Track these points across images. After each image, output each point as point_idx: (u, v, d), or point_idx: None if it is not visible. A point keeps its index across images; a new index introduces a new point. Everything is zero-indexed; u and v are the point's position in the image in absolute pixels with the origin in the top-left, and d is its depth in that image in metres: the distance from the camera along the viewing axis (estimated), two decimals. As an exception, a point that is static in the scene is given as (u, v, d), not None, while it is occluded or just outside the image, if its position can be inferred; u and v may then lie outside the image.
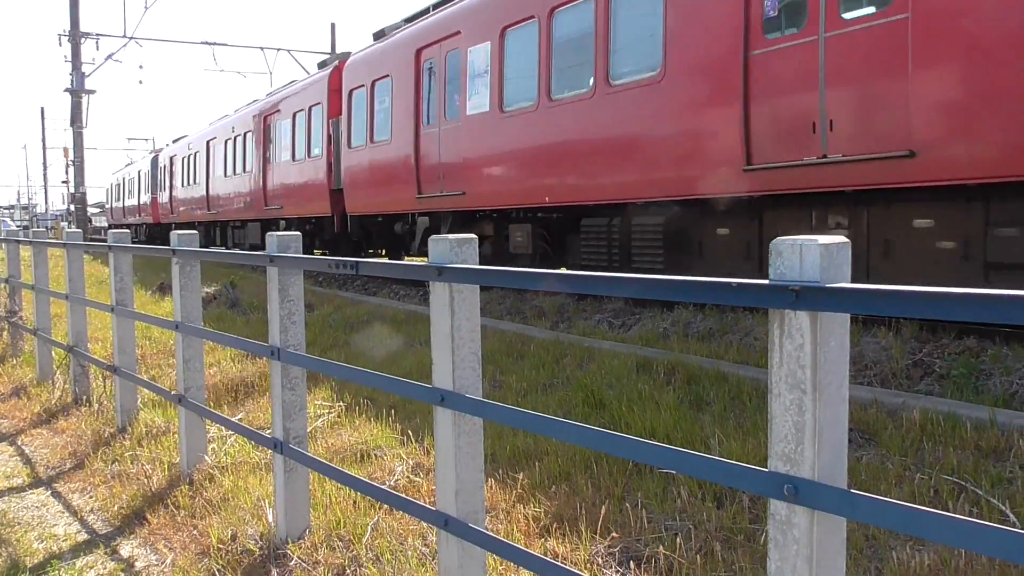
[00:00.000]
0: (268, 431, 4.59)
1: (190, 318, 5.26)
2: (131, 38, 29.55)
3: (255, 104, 24.60)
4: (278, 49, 32.09)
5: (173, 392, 5.56)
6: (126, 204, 44.85)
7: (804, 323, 1.86)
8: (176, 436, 5.57)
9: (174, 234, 5.32)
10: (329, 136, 18.20)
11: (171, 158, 33.93)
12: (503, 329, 9.12)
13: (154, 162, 36.28)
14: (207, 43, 31.73)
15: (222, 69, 34.70)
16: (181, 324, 5.21)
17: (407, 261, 14.67)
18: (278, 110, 22.11)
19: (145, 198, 38.65)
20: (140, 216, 40.35)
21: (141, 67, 61.36)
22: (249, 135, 24.06)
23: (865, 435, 4.59)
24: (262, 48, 32.03)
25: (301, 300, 4.19)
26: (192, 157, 30.96)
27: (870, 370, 6.26)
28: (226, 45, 32.41)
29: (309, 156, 19.33)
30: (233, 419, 5.36)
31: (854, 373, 6.16)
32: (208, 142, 28.78)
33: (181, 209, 32.29)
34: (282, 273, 4.10)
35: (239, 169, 25.21)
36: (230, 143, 26.17)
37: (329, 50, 34.51)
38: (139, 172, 40.56)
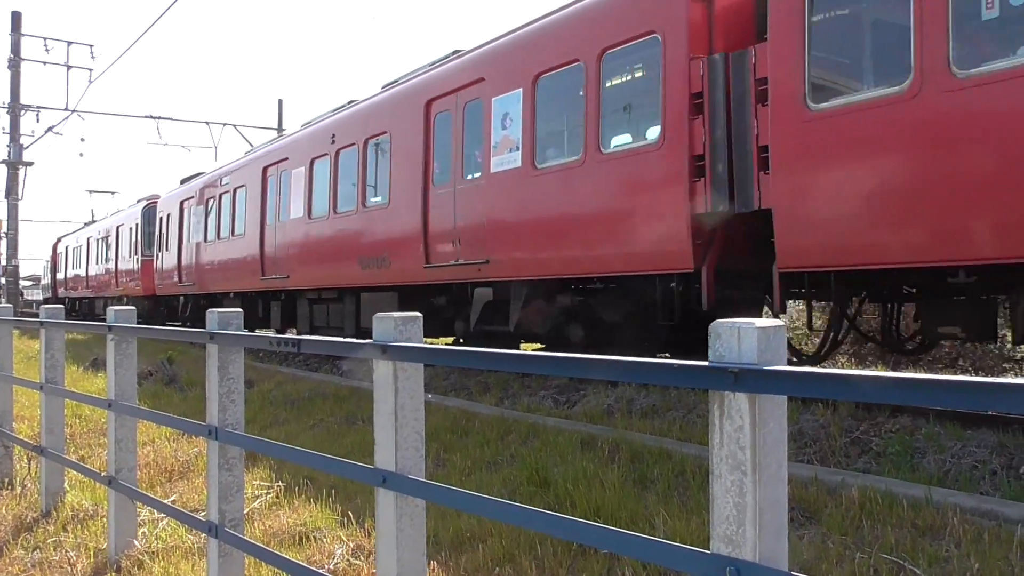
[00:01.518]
0: (203, 513, 4.43)
1: (124, 396, 5.10)
2: (73, 111, 29.29)
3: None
4: (224, 124, 32.14)
5: (103, 474, 5.35)
6: (90, 272, 36.44)
7: (743, 405, 1.90)
8: (105, 520, 5.33)
9: (110, 310, 5.21)
10: None
11: (182, 203, 23.54)
12: (447, 405, 9.04)
13: (148, 213, 27.40)
14: (152, 117, 31.64)
15: (166, 143, 34.22)
16: (114, 403, 5.06)
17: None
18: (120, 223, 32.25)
19: (128, 263, 29.50)
20: (117, 287, 31.08)
21: (83, 140, 60.67)
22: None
23: (806, 513, 4.63)
24: (208, 123, 32.05)
25: (241, 378, 4.12)
26: (228, 196, 20.21)
27: (810, 447, 6.35)
28: (171, 119, 32.20)
29: None
30: (166, 501, 5.17)
31: (795, 450, 6.24)
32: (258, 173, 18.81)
33: (209, 275, 21.31)
34: (222, 351, 4.03)
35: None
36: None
37: (276, 125, 34.69)
38: (114, 229, 31.88)
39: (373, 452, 3.04)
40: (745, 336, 1.91)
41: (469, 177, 11.16)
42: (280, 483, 6.18)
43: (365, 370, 13.46)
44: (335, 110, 15.85)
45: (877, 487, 4.81)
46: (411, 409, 3.01)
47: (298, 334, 16.28)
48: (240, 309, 4.24)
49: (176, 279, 23.59)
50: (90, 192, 59.38)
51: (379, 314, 3.03)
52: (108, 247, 32.92)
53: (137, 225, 28.34)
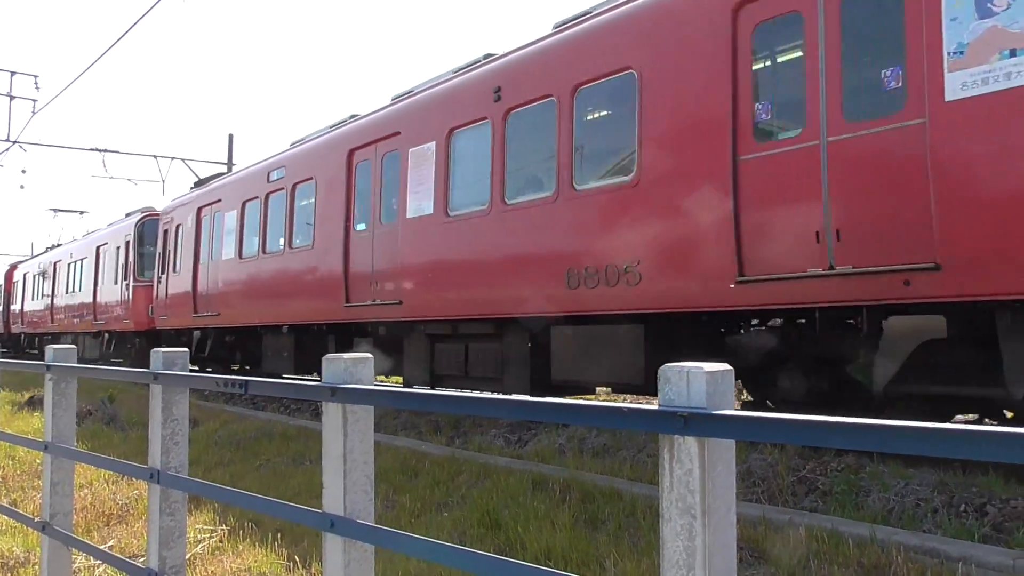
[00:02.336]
0: (142, 559, 4.29)
1: (62, 438, 4.94)
2: (14, 142, 28.63)
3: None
4: (172, 158, 31.65)
5: (37, 519, 5.15)
6: (57, 304, 30.00)
7: (692, 449, 1.92)
8: (37, 568, 5.12)
9: (48, 348, 5.06)
10: None
11: (200, 211, 18.64)
12: (397, 445, 8.93)
13: (145, 228, 22.13)
14: (97, 149, 31.05)
15: (111, 176, 33.52)
16: (51, 445, 4.89)
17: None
18: None
19: (114, 292, 23.44)
20: (97, 319, 25.07)
21: (24, 172, 59.12)
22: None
23: (755, 553, 4.66)
24: (155, 156, 31.52)
25: (186, 419, 4.02)
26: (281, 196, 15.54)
27: (758, 487, 6.41)
28: (117, 152, 31.60)
29: None
30: (103, 547, 4.99)
31: (744, 490, 6.29)
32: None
33: (245, 301, 16.37)
34: (167, 391, 3.93)
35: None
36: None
37: (226, 160, 34.36)
38: (94, 251, 25.89)
39: (321, 494, 2.99)
40: (694, 380, 1.93)
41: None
42: (224, 526, 6.02)
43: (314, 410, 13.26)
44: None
45: (824, 526, 4.87)
46: (361, 452, 2.97)
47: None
48: (185, 349, 4.16)
49: (191, 309, 18.21)
50: (55, 211, 44.52)
51: (329, 355, 2.99)
52: (84, 273, 26.71)
53: (129, 243, 22.52)
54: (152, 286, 21.06)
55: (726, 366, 2.00)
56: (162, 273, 20.27)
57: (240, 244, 16.42)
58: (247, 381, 3.46)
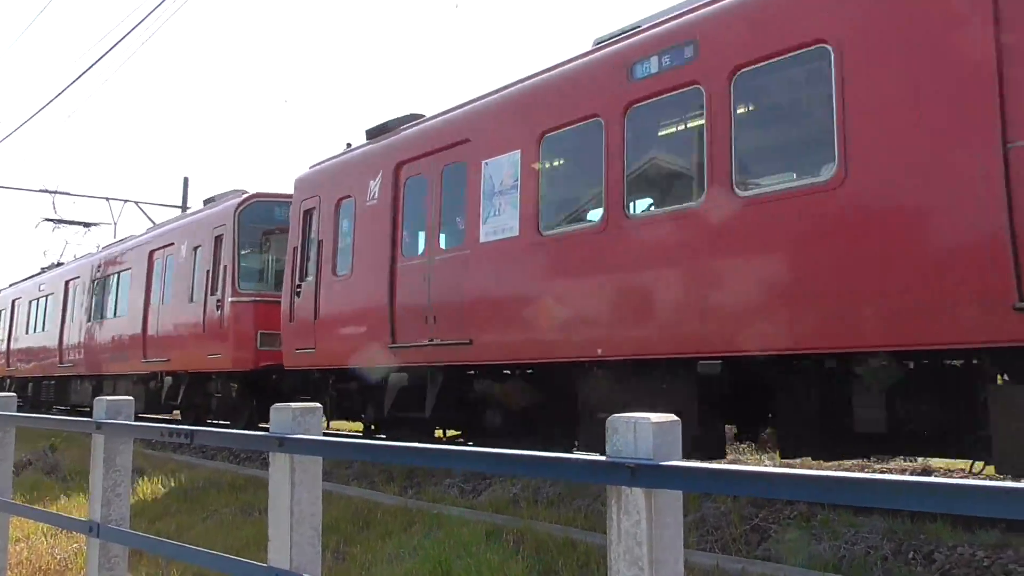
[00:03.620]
0: (78, 619, 4.12)
1: (-3, 490, 4.77)
2: (-39, 183, 27.88)
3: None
4: (125, 200, 31.17)
5: (-32, 575, 4.94)
6: (89, 337, 21.05)
7: (640, 500, 1.92)
8: (-34, 627, 4.90)
9: (-11, 396, 4.89)
10: None
11: (397, 168, 11.42)
12: (349, 495, 8.77)
13: (240, 219, 15.45)
14: (47, 191, 30.49)
15: (61, 218, 32.75)
16: (-14, 497, 4.72)
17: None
18: None
19: (189, 313, 16.34)
20: (159, 356, 17.26)
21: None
22: None
23: (708, 603, 4.64)
24: (108, 199, 31.02)
25: (129, 470, 3.92)
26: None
27: (711, 535, 6.41)
28: (68, 194, 30.97)
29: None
30: (38, 605, 4.79)
31: (697, 538, 6.28)
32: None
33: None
34: (109, 441, 3.84)
35: None
36: None
37: (181, 203, 33.98)
38: (146, 260, 18.45)
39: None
40: (641, 431, 1.94)
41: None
42: (167, 581, 5.83)
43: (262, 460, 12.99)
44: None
45: (776, 575, 4.87)
46: (308, 504, 2.92)
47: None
48: (131, 397, 4.06)
49: (381, 333, 10.97)
50: (54, 223, 31.35)
51: (277, 405, 2.96)
52: (120, 292, 19.19)
53: (220, 240, 15.42)
54: (258, 304, 14.45)
55: (673, 416, 2.02)
56: (301, 280, 12.84)
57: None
58: (193, 431, 3.39)
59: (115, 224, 31.28)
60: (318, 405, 2.95)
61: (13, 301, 29.24)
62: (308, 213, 12.96)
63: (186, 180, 36.24)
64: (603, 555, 5.48)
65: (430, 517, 7.28)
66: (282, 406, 2.91)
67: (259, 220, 15.31)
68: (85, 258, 23.78)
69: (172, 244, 17.42)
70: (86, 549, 4.08)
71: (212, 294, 15.39)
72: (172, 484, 10.51)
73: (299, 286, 12.93)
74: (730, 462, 9.92)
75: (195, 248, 16.35)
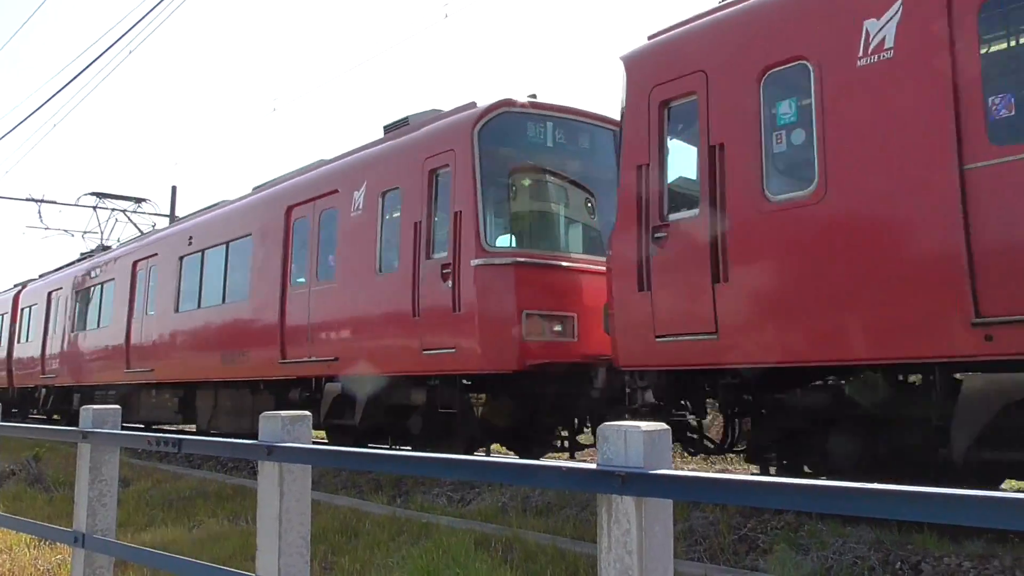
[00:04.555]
0: (62, 630, 4.08)
1: (-19, 499, 4.72)
2: (-53, 190, 27.67)
3: None
4: (112, 209, 31.02)
5: (-49, 586, 4.88)
6: (142, 336, 17.41)
7: (630, 508, 1.92)
8: (-52, 638, 4.84)
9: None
10: None
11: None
12: (337, 504, 8.73)
13: (481, 137, 9.82)
14: (33, 199, 30.29)
15: (47, 227, 32.44)
16: (-30, 506, 4.66)
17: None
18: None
19: (384, 290, 10.86)
20: (298, 353, 12.34)
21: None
22: None
23: (697, 613, 4.64)
24: (94, 207, 30.84)
25: (115, 480, 3.90)
26: None
27: (700, 545, 6.41)
28: (54, 202, 30.77)
29: None
30: (21, 616, 4.74)
31: (685, 548, 6.28)
32: None
33: None
34: (96, 450, 3.81)
35: None
36: None
37: (169, 212, 33.86)
38: (288, 215, 13.12)
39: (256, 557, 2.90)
40: (632, 440, 1.95)
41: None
42: (152, 592, 5.78)
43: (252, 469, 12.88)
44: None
45: (764, 585, 4.88)
46: (297, 512, 2.90)
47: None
48: (118, 406, 4.03)
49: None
50: (97, 196, 26.91)
51: (266, 413, 2.94)
52: (231, 271, 14.65)
53: (445, 174, 10.17)
54: (523, 269, 9.58)
55: (663, 425, 2.02)
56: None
57: None
58: (181, 439, 3.38)
59: (101, 232, 31.11)
60: (307, 413, 2.94)
61: (49, 294, 23.24)
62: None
63: (174, 189, 36.17)
64: (592, 564, 5.49)
65: (418, 526, 7.25)
66: (271, 415, 2.90)
67: (512, 142, 10.17)
68: (158, 232, 18.96)
69: (332, 193, 12.01)
70: (71, 560, 4.04)
71: (429, 257, 10.06)
72: (158, 494, 10.43)
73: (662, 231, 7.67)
74: (719, 471, 9.92)
75: (383, 194, 11.00)
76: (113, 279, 19.47)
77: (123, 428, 14.80)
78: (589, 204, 10.75)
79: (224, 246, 15.11)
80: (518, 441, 10.69)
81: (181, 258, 16.37)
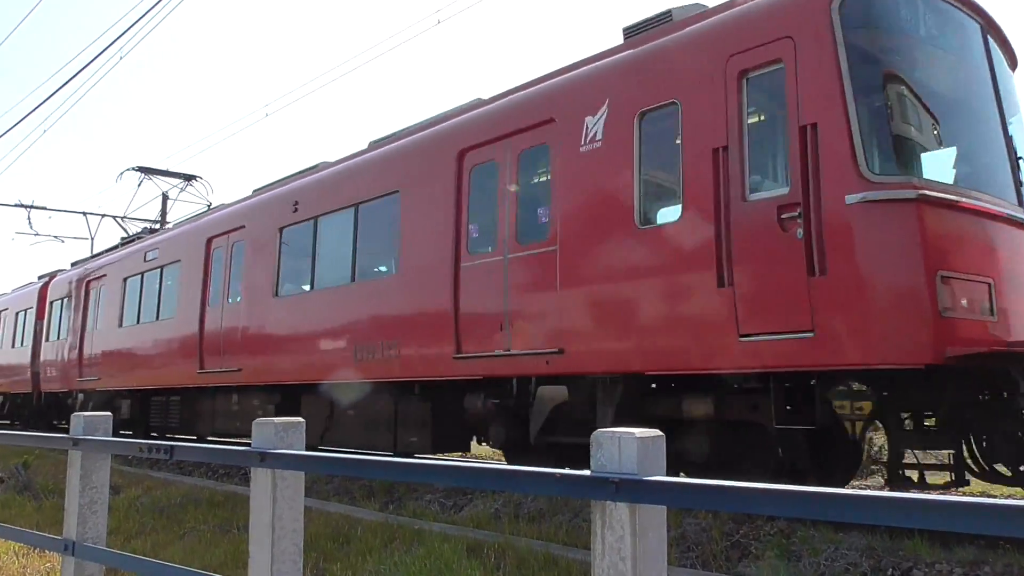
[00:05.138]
0: (52, 638, 4.05)
1: (-29, 507, 4.69)
2: (-62, 196, 27.49)
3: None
4: (102, 215, 30.88)
5: (-61, 594, 4.84)
6: (235, 322, 13.62)
7: (624, 515, 1.93)
8: (-64, 647, 4.80)
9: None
10: None
11: None
12: (329, 511, 8.70)
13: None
14: (23, 205, 30.14)
15: (37, 233, 32.21)
16: (-41, 514, 4.63)
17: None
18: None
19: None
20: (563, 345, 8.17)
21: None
22: None
23: (690, 620, 4.64)
24: (84, 213, 30.71)
25: (106, 487, 3.87)
26: None
27: (692, 551, 6.41)
28: (44, 208, 30.60)
29: None
30: (10, 624, 4.71)
31: (678, 555, 6.28)
32: None
33: None
34: (86, 457, 3.79)
35: None
36: None
37: (159, 217, 33.74)
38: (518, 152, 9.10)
39: (247, 564, 2.89)
40: (625, 446, 1.95)
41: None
42: (143, 600, 5.74)
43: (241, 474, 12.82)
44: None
45: (757, 591, 4.88)
46: (290, 519, 2.89)
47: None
48: (109, 413, 4.02)
49: None
50: (142, 173, 24.26)
51: (259, 419, 2.93)
52: (401, 232, 10.41)
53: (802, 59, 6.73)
54: (930, 208, 6.32)
55: (657, 432, 2.03)
56: None
57: None
58: (172, 446, 3.36)
59: (92, 239, 30.98)
60: (301, 420, 2.93)
61: (87, 283, 19.84)
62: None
63: (165, 195, 36.04)
64: (584, 571, 5.48)
65: (411, 533, 7.23)
66: (264, 421, 2.89)
67: (884, 28, 7.09)
68: (243, 201, 14.87)
69: (543, 125, 8.87)
70: (60, 568, 4.01)
71: (746, 198, 6.95)
72: (149, 501, 10.38)
73: None
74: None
75: (642, 115, 7.86)
76: (178, 261, 15.86)
77: (196, 441, 13.56)
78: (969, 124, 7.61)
79: (352, 210, 11.51)
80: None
81: (282, 229, 12.92)
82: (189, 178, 22.83)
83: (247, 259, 13.63)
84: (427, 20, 29.04)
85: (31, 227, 30.49)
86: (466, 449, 11.37)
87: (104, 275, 19.19)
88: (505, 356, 8.76)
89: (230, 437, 15.02)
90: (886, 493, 1.74)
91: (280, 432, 2.87)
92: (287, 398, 12.78)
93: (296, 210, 12.68)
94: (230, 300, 13.98)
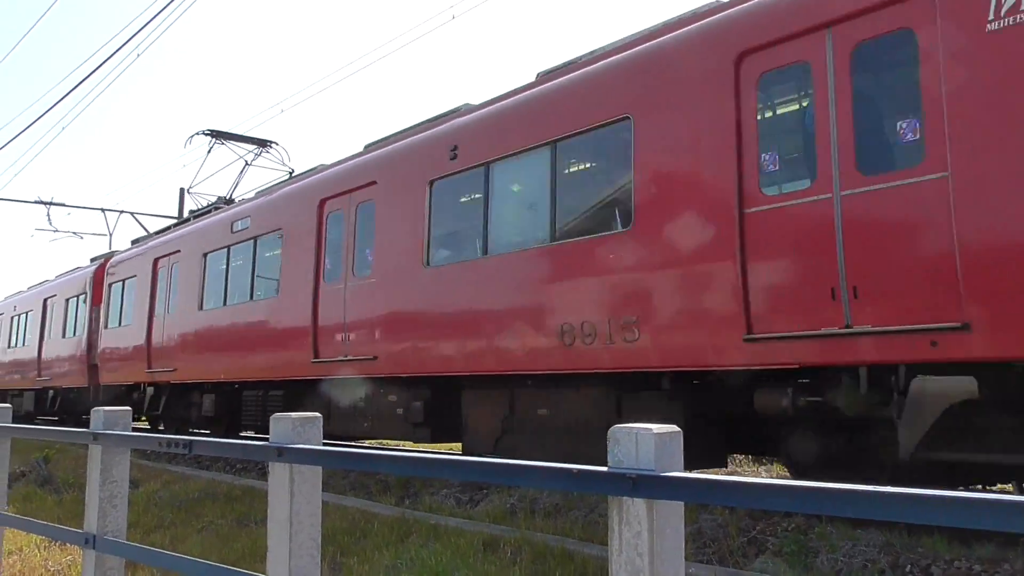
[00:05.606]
0: (73, 630, 4.10)
1: (-7, 500, 4.75)
2: (-41, 192, 27.81)
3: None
4: (120, 211, 31.16)
5: (-38, 586, 4.91)
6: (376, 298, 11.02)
7: (641, 511, 1.93)
8: (-40, 639, 4.86)
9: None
10: None
11: None
12: (346, 505, 8.74)
13: None
14: (42, 202, 30.44)
15: (56, 229, 32.42)
16: (-19, 508, 4.69)
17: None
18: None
19: None
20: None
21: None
22: None
23: (706, 615, 4.63)
24: (103, 209, 30.98)
25: (126, 481, 3.91)
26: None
27: (709, 547, 6.40)
28: (63, 205, 30.90)
29: None
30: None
31: (694, 550, 6.27)
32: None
33: None
34: (106, 452, 3.82)
35: None
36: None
37: (176, 214, 33.96)
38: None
39: (265, 558, 2.91)
40: (643, 442, 1.95)
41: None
42: (162, 593, 5.80)
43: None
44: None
45: (774, 587, 4.87)
46: (307, 514, 2.91)
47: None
48: (128, 408, 4.05)
49: None
50: (212, 137, 18.92)
51: (277, 415, 2.95)
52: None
53: None
54: None
55: (674, 428, 2.02)
56: None
57: None
58: (191, 441, 3.39)
59: (110, 235, 31.22)
60: (318, 415, 2.95)
61: (155, 261, 17.33)
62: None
63: (182, 191, 36.26)
64: (600, 566, 5.48)
65: (427, 527, 7.26)
66: (282, 416, 2.91)
67: None
68: (363, 155, 12.26)
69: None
70: (81, 561, 4.06)
71: None
72: (167, 495, 10.47)
73: None
74: (728, 474, 9.91)
75: None
76: (278, 230, 13.30)
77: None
78: None
79: (549, 148, 8.89)
80: None
81: (432, 182, 10.38)
82: (264, 143, 19.05)
83: (381, 222, 11.04)
84: (442, 15, 28.98)
85: (50, 223, 30.74)
86: (721, 464, 8.68)
87: (177, 251, 16.46)
88: (844, 335, 6.24)
89: (354, 439, 12.94)
90: (903, 489, 1.73)
91: (298, 427, 2.89)
92: (440, 392, 10.50)
93: (455, 155, 10.02)
94: (356, 273, 11.45)
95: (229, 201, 16.97)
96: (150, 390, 17.25)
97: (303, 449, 2.83)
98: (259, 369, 13.42)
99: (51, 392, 22.00)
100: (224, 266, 14.77)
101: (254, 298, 13.79)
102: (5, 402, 23.71)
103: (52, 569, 6.78)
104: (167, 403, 16.89)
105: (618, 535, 1.97)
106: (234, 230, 14.62)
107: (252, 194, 15.50)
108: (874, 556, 5.68)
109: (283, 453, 2.83)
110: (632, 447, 1.96)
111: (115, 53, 32.87)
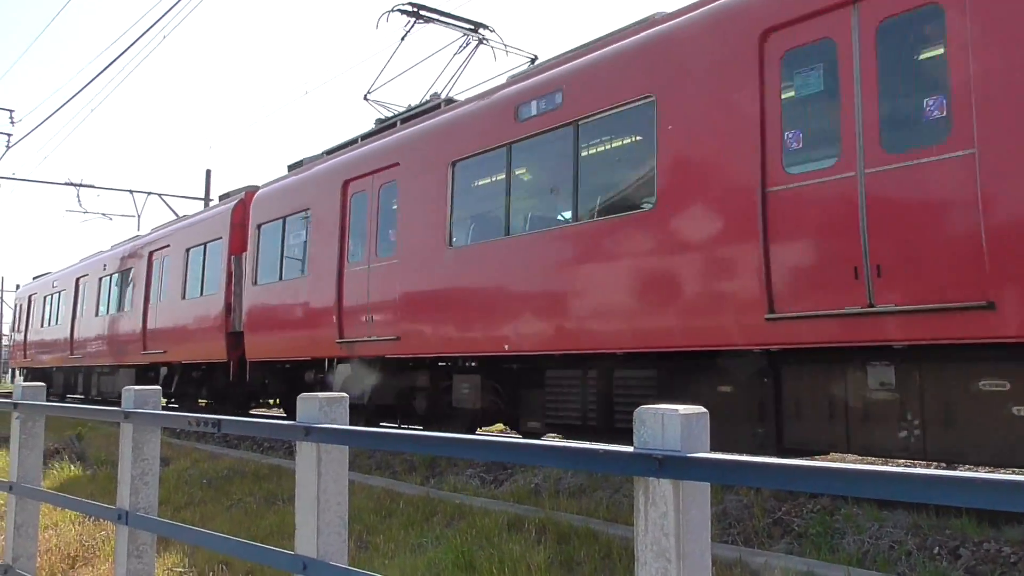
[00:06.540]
0: (107, 604, 4.19)
1: (28, 478, 4.85)
2: (-10, 174, 28.22)
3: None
4: (148, 193, 31.47)
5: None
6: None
7: (667, 491, 1.92)
8: (-2, 611, 4.98)
9: (18, 386, 4.98)
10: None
11: None
12: (371, 484, 8.83)
13: None
14: (72, 184, 30.83)
15: (86, 210, 32.82)
16: (16, 485, 4.79)
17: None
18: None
19: None
20: None
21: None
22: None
23: (731, 596, 4.63)
24: (131, 191, 31.34)
25: (157, 459, 3.97)
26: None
27: (734, 528, 6.39)
28: (92, 187, 31.32)
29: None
30: (68, 590, 4.87)
31: (719, 531, 6.27)
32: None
33: None
34: (137, 430, 3.88)
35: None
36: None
37: (203, 195, 34.24)
38: None
39: (294, 535, 2.95)
40: (669, 423, 1.95)
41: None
42: (193, 568, 5.90)
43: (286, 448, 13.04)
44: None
45: (799, 568, 4.86)
46: (334, 493, 2.94)
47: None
48: (158, 387, 4.10)
49: None
50: (414, 14, 12.50)
51: (303, 395, 2.98)
52: None
53: None
54: None
55: (700, 408, 2.01)
56: None
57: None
58: (220, 420, 3.43)
59: (139, 216, 31.54)
60: (345, 395, 2.97)
61: (345, 186, 12.10)
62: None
63: (208, 172, 36.49)
64: (624, 546, 5.50)
65: (452, 507, 7.31)
66: (308, 396, 2.94)
67: None
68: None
69: None
70: (114, 536, 4.13)
71: None
72: (197, 473, 10.63)
73: None
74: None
75: None
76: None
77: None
78: None
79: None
80: None
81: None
82: (476, 26, 13.47)
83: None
84: (466, -6, 28.81)
85: (80, 205, 31.14)
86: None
87: (395, 164, 11.29)
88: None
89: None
90: (929, 471, 1.72)
91: (324, 407, 2.92)
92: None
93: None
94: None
95: (449, 101, 11.78)
96: (345, 369, 12.35)
97: (330, 428, 2.85)
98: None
99: (164, 369, 17.75)
100: (475, 183, 10.46)
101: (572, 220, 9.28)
102: (90, 381, 22.03)
103: (87, 544, 6.92)
104: (378, 387, 11.82)
105: (644, 515, 1.97)
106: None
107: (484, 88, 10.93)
108: (901, 537, 5.64)
109: (310, 432, 2.86)
110: (659, 428, 1.96)
111: (142, 36, 33.09)
